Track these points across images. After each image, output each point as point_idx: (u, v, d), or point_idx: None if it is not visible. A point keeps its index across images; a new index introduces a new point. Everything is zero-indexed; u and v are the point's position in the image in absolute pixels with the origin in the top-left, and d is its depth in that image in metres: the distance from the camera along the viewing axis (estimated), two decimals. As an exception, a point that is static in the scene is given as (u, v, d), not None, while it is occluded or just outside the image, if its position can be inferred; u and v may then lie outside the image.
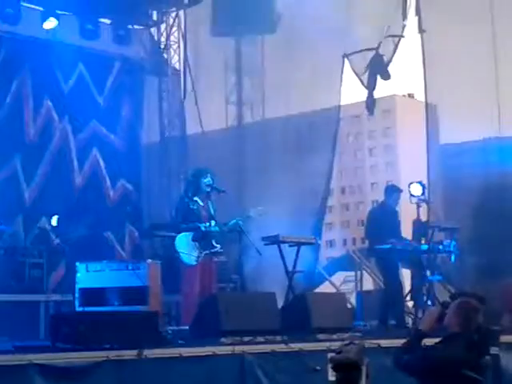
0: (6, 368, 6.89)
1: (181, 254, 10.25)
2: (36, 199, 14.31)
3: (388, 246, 11.31)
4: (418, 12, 14.61)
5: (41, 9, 14.44)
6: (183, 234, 10.38)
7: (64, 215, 13.11)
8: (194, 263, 10.26)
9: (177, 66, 16.97)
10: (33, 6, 14.45)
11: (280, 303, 9.90)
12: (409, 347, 6.10)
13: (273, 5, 16.23)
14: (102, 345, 7.62)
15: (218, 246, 10.48)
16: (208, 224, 10.38)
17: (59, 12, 14.48)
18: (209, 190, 10.51)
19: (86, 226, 12.98)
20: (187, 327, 9.50)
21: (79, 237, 12.74)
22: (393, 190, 12.31)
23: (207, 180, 10.49)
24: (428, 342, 6.16)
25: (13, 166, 14.13)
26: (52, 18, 14.34)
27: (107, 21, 15.58)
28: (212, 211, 10.54)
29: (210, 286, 10.39)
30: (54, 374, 7.06)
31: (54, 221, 12.90)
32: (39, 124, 14.63)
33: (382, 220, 11.77)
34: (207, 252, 10.37)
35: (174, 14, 16.88)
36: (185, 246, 10.29)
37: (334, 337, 9.15)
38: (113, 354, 7.40)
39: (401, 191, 12.20)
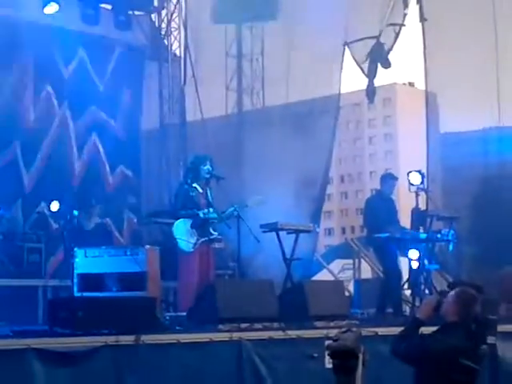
0: (4, 352, 6.92)
1: (178, 241, 10.27)
2: (35, 185, 14.30)
3: (386, 235, 11.32)
4: (419, 1, 14.60)
5: (42, -6, 14.40)
6: (181, 220, 10.39)
7: (63, 201, 13.11)
8: (191, 250, 10.28)
9: (177, 52, 16.96)
10: (34, -9, 14.41)
11: (278, 291, 9.91)
12: (406, 335, 6.12)
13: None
14: (100, 330, 7.64)
15: (216, 233, 10.49)
16: (206, 211, 10.39)
17: (60, -3, 14.44)
18: (208, 177, 10.51)
19: (100, 213, 13.01)
20: (185, 313, 9.51)
21: (94, 224, 12.77)
22: (388, 178, 12.32)
23: (206, 167, 10.49)
24: (425, 330, 6.19)
25: (12, 152, 14.11)
26: (53, 3, 14.26)
27: (108, 6, 15.53)
28: (210, 198, 10.55)
29: (208, 273, 10.40)
30: (52, 359, 7.09)
31: (54, 206, 12.89)
32: (39, 109, 14.61)
33: (379, 208, 11.78)
34: (205, 239, 10.38)
35: (175, 0, 16.86)
36: (182, 233, 10.31)
37: (332, 324, 9.17)
38: (111, 340, 7.43)
39: (396, 179, 12.20)
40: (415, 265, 11.39)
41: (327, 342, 5.19)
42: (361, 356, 5.02)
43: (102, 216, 13.26)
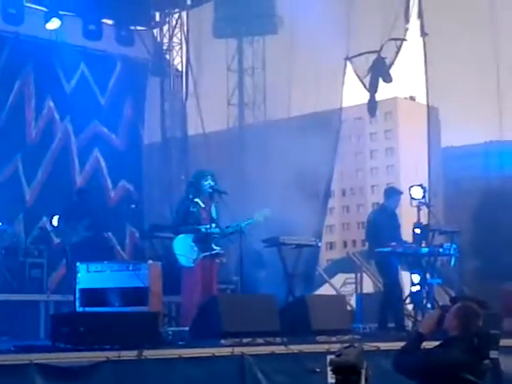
0: (6, 367, 6.91)
1: (178, 257, 10.26)
2: (37, 199, 14.33)
3: (388, 249, 11.31)
4: (420, 15, 14.62)
5: (44, 9, 14.46)
6: (182, 236, 10.38)
7: (64, 215, 13.11)
8: (192, 265, 10.26)
9: (179, 66, 17.02)
10: (36, 7, 14.48)
11: (280, 305, 9.90)
12: (408, 350, 6.11)
13: (274, 6, 16.27)
14: (103, 345, 7.63)
15: (218, 248, 10.47)
16: (209, 226, 10.36)
17: (62, 12, 14.50)
18: (210, 191, 10.50)
19: (87, 226, 12.96)
20: (187, 328, 9.50)
21: (80, 237, 12.74)
22: (392, 193, 12.31)
23: (207, 182, 10.48)
24: (428, 344, 6.17)
25: (14, 166, 14.15)
26: (55, 19, 14.36)
27: (110, 21, 15.61)
28: (214, 213, 10.52)
29: (211, 288, 10.38)
30: (54, 374, 7.08)
31: (55, 221, 12.90)
32: (41, 124, 14.66)
33: (381, 223, 11.77)
34: (206, 254, 10.36)
35: (176, 15, 16.93)
36: (182, 248, 10.30)
37: (334, 339, 9.16)
38: (113, 355, 7.42)
39: (401, 193, 12.20)
40: (416, 288, 11.42)
41: (330, 358, 5.18)
42: (363, 371, 5.02)
43: (89, 229, 13.21)
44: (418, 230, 11.62)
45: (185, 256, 10.25)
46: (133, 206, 14.51)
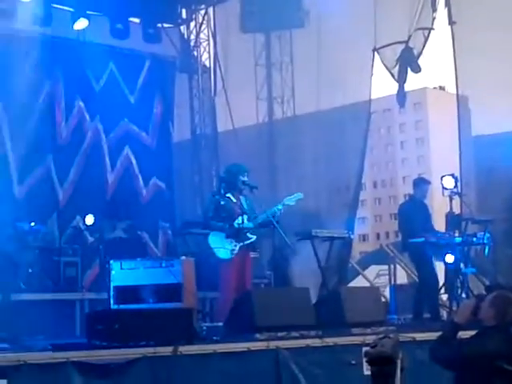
0: (44, 366, 6.97)
1: (215, 250, 10.20)
2: (69, 199, 14.42)
3: (421, 240, 11.27)
4: (447, 3, 14.51)
5: (71, 10, 14.54)
6: (215, 232, 10.34)
7: (98, 214, 13.19)
8: (230, 256, 10.20)
9: (207, 63, 17.05)
10: (63, 7, 14.55)
11: (314, 298, 9.89)
12: (444, 340, 6.08)
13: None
14: (138, 342, 7.66)
15: (254, 236, 10.35)
16: (241, 220, 10.32)
17: (89, 12, 14.58)
18: (243, 187, 10.45)
19: (125, 228, 13.06)
20: (221, 324, 9.52)
21: (115, 236, 12.84)
22: (420, 183, 12.28)
23: (245, 178, 10.40)
24: (464, 334, 6.14)
25: (46, 167, 14.25)
26: (82, 19, 14.44)
27: (137, 20, 15.65)
28: (245, 206, 10.47)
29: (245, 282, 10.35)
30: (91, 372, 7.12)
31: (89, 219, 12.99)
32: (71, 124, 14.75)
33: (412, 213, 11.73)
34: (242, 244, 10.29)
35: (203, 12, 16.94)
36: (219, 241, 10.25)
37: (368, 331, 9.13)
38: (148, 351, 7.45)
39: (429, 183, 12.16)
40: (451, 269, 11.35)
41: (366, 349, 5.17)
42: (399, 362, 5.01)
43: (128, 231, 13.27)
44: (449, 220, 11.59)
45: (222, 248, 10.20)
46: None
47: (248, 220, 10.31)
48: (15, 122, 13.95)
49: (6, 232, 11.75)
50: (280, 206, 10.22)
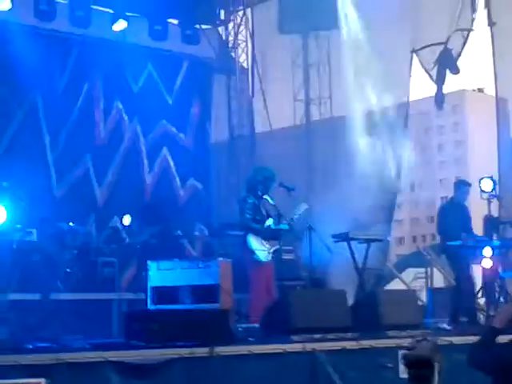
0: (82, 365, 7.02)
1: (256, 252, 10.28)
2: (108, 199, 14.52)
3: (459, 242, 11.19)
4: (487, 4, 14.42)
5: (110, 11, 14.64)
6: (253, 234, 10.40)
7: (135, 214, 13.26)
8: (268, 258, 10.30)
9: (245, 64, 17.06)
10: (102, 9, 14.65)
11: (350, 300, 9.87)
12: (482, 345, 6.02)
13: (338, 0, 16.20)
14: (175, 342, 7.70)
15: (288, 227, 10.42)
16: (277, 221, 10.37)
17: (128, 14, 14.66)
18: (281, 189, 10.50)
19: (156, 234, 13.08)
20: (257, 325, 9.52)
21: (151, 236, 12.88)
22: (462, 185, 12.17)
23: (274, 184, 10.54)
24: (502, 339, 6.09)
25: (85, 167, 14.36)
26: (121, 20, 14.53)
27: (175, 21, 15.71)
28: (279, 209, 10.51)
29: (272, 285, 10.41)
30: (128, 371, 7.16)
31: (126, 220, 13.05)
32: (110, 125, 14.85)
33: (452, 216, 11.65)
34: (277, 248, 10.38)
35: (241, 13, 16.97)
36: (257, 244, 10.33)
37: (405, 334, 9.09)
38: (185, 352, 7.47)
39: (469, 185, 12.06)
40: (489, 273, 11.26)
41: (403, 352, 5.12)
42: (436, 365, 4.96)
43: (154, 236, 13.26)
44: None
45: (261, 250, 10.28)
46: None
47: (284, 223, 10.35)
48: (54, 122, 14.06)
49: (45, 232, 11.84)
50: (286, 227, 10.29)
